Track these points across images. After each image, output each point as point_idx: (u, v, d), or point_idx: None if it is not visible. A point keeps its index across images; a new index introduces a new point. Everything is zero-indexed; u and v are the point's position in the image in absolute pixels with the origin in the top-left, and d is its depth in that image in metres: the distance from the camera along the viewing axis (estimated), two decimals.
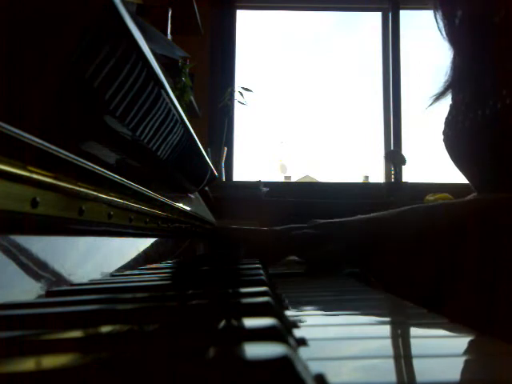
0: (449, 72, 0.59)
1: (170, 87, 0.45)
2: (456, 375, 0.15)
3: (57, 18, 0.26)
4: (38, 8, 0.24)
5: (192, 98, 2.09)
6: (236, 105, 2.41)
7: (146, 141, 0.47)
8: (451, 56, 0.59)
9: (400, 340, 0.21)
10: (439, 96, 0.60)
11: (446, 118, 0.58)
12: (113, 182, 0.37)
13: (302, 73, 2.79)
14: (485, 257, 0.37)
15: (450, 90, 0.59)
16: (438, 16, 0.59)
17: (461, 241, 0.39)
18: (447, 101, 0.60)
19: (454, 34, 0.58)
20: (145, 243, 0.51)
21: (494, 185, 0.50)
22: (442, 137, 0.59)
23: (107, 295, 0.27)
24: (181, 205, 0.66)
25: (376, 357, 0.17)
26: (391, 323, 0.25)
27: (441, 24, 0.59)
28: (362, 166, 2.66)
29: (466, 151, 0.55)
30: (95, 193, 0.34)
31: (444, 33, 0.59)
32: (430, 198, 1.96)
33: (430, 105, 0.61)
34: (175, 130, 0.53)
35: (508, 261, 0.35)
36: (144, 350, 0.14)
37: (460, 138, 0.54)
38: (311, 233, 0.54)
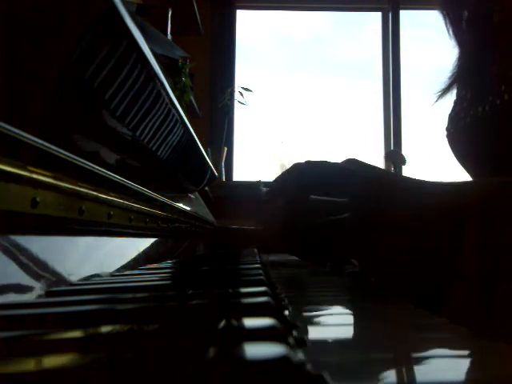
0: (454, 67, 0.59)
1: (170, 87, 0.45)
2: (456, 375, 0.15)
3: (57, 17, 0.26)
4: (38, 8, 0.24)
5: (192, 98, 2.10)
6: (236, 105, 2.41)
7: (145, 141, 0.47)
8: (457, 53, 0.59)
9: (399, 340, 0.21)
10: (445, 91, 0.60)
11: (450, 114, 0.58)
12: (113, 182, 0.37)
13: (302, 73, 2.79)
14: (484, 252, 0.35)
15: (455, 86, 0.59)
16: (444, 17, 0.59)
17: (458, 231, 0.37)
18: (451, 97, 0.59)
19: (460, 34, 0.58)
20: (145, 243, 0.51)
21: None
22: (445, 133, 0.59)
23: (107, 295, 0.27)
24: (181, 205, 0.66)
25: (375, 356, 0.17)
26: (390, 323, 0.25)
27: (448, 24, 0.59)
28: None
29: (467, 148, 0.55)
30: (95, 193, 0.34)
31: (451, 33, 0.59)
32: None
33: (436, 101, 0.61)
34: (175, 130, 0.53)
35: (508, 258, 0.34)
36: (144, 350, 0.14)
37: (461, 135, 0.54)
38: None
